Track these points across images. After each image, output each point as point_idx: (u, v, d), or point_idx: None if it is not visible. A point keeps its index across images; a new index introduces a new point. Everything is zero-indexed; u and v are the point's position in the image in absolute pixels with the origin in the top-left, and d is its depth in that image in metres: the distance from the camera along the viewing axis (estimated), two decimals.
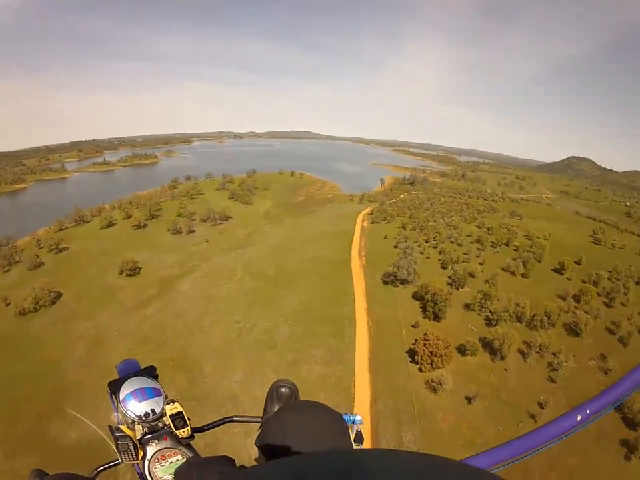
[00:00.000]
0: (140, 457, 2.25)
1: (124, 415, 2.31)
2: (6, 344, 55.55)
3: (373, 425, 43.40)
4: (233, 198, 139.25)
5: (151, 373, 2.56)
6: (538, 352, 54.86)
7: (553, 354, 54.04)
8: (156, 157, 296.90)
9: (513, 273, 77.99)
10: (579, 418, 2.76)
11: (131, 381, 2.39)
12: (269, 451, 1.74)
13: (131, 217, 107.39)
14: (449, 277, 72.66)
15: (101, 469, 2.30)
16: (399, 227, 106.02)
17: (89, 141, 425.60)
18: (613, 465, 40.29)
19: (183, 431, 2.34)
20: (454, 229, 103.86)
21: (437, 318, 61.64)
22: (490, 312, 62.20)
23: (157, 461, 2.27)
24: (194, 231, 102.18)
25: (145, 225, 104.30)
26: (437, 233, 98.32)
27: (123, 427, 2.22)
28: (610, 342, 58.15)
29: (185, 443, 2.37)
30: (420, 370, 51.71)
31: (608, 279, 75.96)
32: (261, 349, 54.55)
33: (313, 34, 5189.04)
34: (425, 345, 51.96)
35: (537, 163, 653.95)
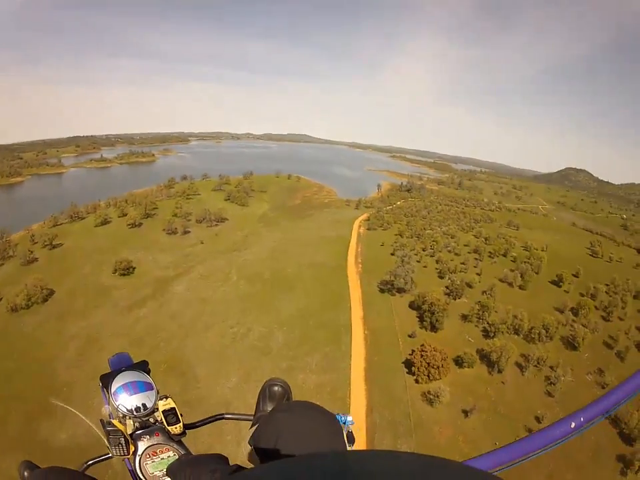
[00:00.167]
0: (131, 452, 2.23)
1: (115, 409, 2.29)
2: None
3: (368, 436, 42.98)
4: (229, 199, 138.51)
5: (143, 367, 2.55)
6: (536, 365, 54.65)
7: (551, 367, 53.89)
8: (153, 155, 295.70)
9: (510, 284, 77.59)
10: (572, 425, 2.75)
11: (123, 375, 2.38)
12: (263, 451, 1.71)
13: (126, 215, 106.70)
14: (446, 287, 72.21)
15: (91, 462, 2.27)
16: (395, 234, 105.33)
17: (86, 136, 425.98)
18: None
19: (175, 427, 2.32)
20: (451, 237, 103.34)
21: (434, 328, 61.15)
22: (487, 323, 61.86)
23: (148, 456, 2.26)
24: (189, 231, 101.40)
25: (140, 224, 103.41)
26: (434, 241, 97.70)
27: (115, 421, 2.20)
28: (607, 356, 58.20)
29: (177, 440, 2.36)
30: (416, 381, 51.28)
31: (606, 292, 75.87)
32: (255, 355, 53.88)
33: (312, 35, 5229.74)
34: (422, 355, 51.47)
35: (534, 173, 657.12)
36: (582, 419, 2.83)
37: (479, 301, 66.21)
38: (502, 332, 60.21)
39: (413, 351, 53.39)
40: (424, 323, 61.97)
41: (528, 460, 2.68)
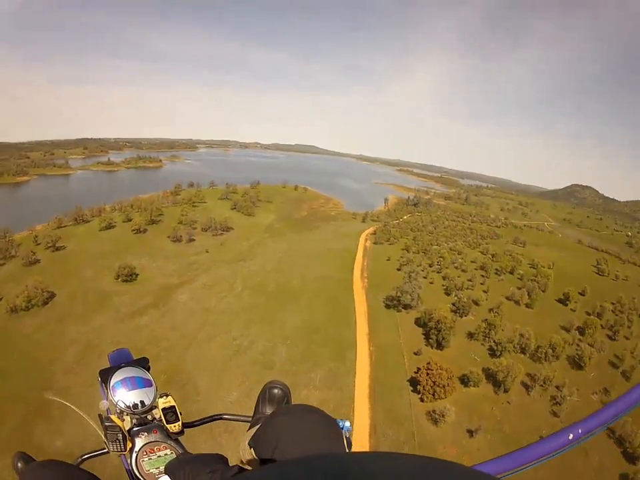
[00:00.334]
0: (128, 449, 2.20)
1: (114, 404, 2.27)
2: None
3: None
4: (235, 208, 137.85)
5: (143, 364, 2.52)
6: (542, 385, 54.35)
7: (557, 387, 53.70)
8: (160, 160, 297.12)
9: (517, 303, 76.94)
10: (570, 436, 2.67)
11: (122, 371, 2.36)
12: (263, 453, 1.69)
13: (131, 220, 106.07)
14: (453, 304, 71.48)
15: (86, 456, 2.25)
16: (402, 249, 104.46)
17: (94, 139, 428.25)
18: None
19: (174, 426, 2.29)
20: (458, 254, 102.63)
21: (440, 346, 60.46)
22: (494, 342, 61.42)
23: (145, 453, 2.23)
24: (194, 239, 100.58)
25: (145, 230, 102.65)
26: (440, 257, 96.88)
27: (113, 417, 2.17)
28: (613, 376, 58.30)
29: (175, 438, 2.33)
30: (421, 400, 50.70)
31: (612, 311, 76.09)
32: (258, 369, 52.89)
33: (322, 47, 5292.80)
34: (428, 374, 50.82)
35: (540, 189, 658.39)
36: (580, 431, 2.72)
37: (486, 319, 65.72)
38: (508, 351, 59.83)
39: (419, 369, 52.77)
40: (430, 340, 61.35)
41: (522, 471, 2.52)
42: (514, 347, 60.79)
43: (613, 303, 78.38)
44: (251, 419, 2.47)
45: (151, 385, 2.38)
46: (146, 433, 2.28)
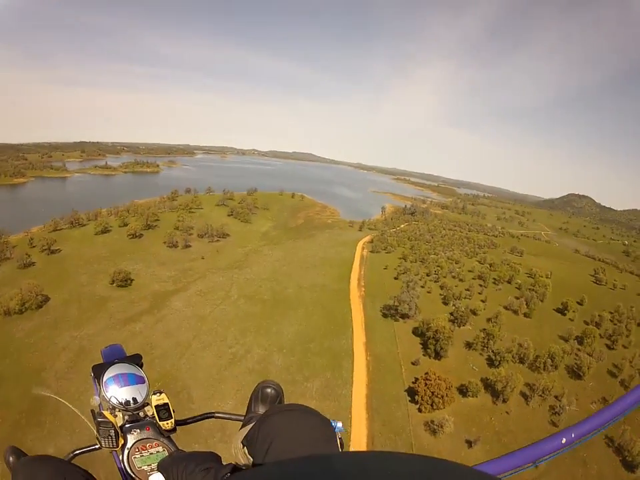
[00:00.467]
0: (120, 445, 2.19)
1: (106, 400, 2.27)
2: None
3: None
4: (232, 215, 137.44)
5: (136, 360, 2.52)
6: (540, 395, 54.07)
7: (556, 397, 53.50)
8: (157, 166, 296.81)
9: (515, 312, 76.41)
10: (563, 441, 2.72)
11: (115, 367, 2.36)
12: (257, 452, 1.71)
13: (127, 224, 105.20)
14: (451, 314, 70.91)
15: (78, 452, 2.24)
16: (399, 258, 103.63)
17: (92, 142, 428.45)
18: None
19: (167, 423, 2.28)
20: (455, 263, 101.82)
21: (438, 356, 59.94)
22: (492, 352, 61.09)
23: (137, 450, 2.22)
24: (190, 246, 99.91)
25: (141, 235, 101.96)
26: (438, 266, 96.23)
27: (106, 413, 2.16)
28: (611, 385, 58.24)
29: (167, 435, 2.32)
30: (419, 410, 50.15)
31: (610, 320, 76.23)
32: (253, 379, 51.87)
33: (321, 55, 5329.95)
34: (426, 384, 50.26)
35: (537, 199, 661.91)
36: (573, 435, 2.84)
37: (484, 329, 65.55)
38: (507, 361, 59.47)
39: (417, 379, 52.26)
40: (428, 350, 60.74)
41: (522, 471, 2.63)
42: (512, 356, 60.37)
43: (611, 312, 78.49)
44: (243, 417, 2.46)
45: (144, 382, 2.36)
46: (138, 430, 2.25)
